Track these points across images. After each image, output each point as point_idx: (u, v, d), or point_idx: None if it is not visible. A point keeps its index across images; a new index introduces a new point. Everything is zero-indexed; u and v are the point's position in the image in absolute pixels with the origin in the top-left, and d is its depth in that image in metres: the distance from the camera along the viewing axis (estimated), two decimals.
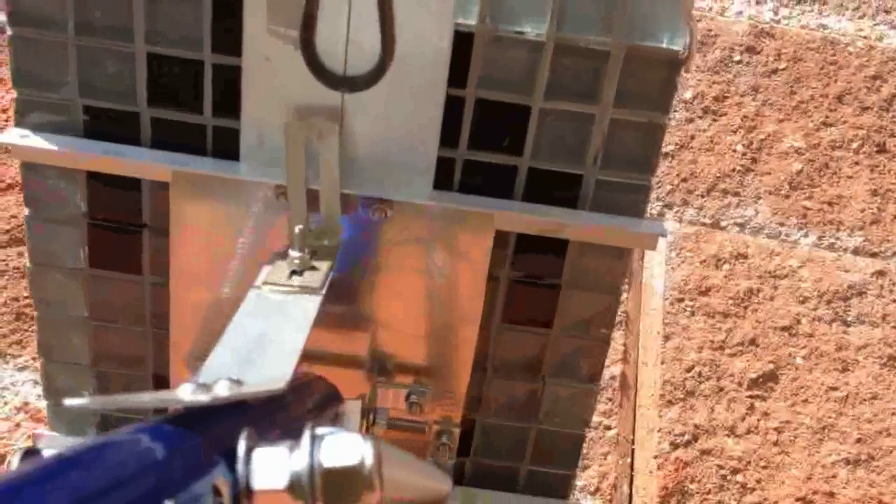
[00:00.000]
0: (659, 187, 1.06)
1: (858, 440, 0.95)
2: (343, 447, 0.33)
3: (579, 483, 0.90)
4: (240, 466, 0.32)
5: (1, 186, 1.00)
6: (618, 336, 0.98)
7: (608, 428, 0.94)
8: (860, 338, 1.00)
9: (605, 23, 0.51)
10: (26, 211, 0.60)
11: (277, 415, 0.40)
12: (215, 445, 0.32)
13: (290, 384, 0.38)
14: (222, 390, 0.35)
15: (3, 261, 0.96)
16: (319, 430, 0.33)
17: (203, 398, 0.34)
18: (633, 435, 0.94)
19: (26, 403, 0.90)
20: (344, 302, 0.58)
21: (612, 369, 0.96)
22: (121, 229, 0.60)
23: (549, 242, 0.58)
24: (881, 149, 1.11)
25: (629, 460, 0.93)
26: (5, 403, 0.91)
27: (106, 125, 0.56)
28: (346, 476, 0.32)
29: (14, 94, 0.56)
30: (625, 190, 0.56)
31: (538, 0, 0.51)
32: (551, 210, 0.56)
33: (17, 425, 0.90)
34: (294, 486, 0.32)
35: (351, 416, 0.51)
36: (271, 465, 0.32)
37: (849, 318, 1.01)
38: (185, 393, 0.34)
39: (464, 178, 0.56)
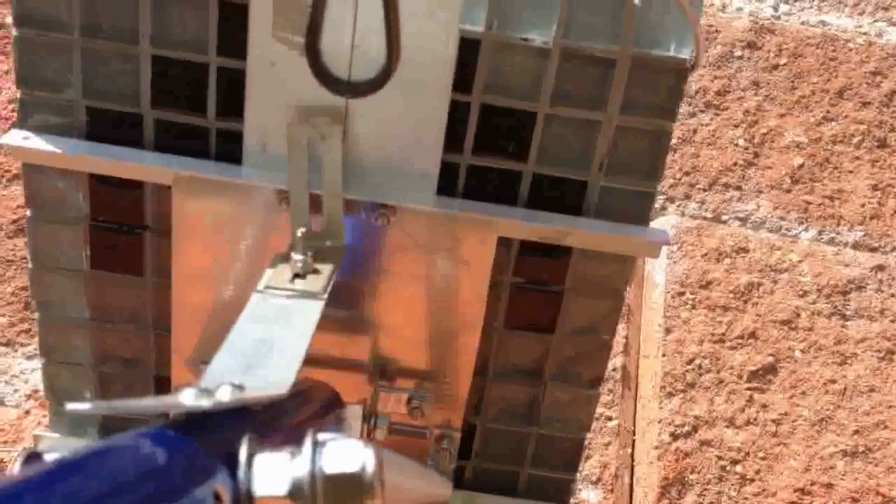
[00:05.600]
0: (661, 181, 1.07)
1: (856, 432, 0.95)
2: (344, 454, 0.33)
3: (581, 473, 0.90)
4: (241, 472, 0.32)
5: (7, 177, 1.00)
6: (619, 328, 0.98)
7: (609, 419, 0.94)
8: (859, 331, 1.01)
9: (612, 30, 0.51)
10: (28, 212, 0.60)
11: (279, 420, 0.39)
12: (216, 451, 0.32)
13: (292, 390, 0.38)
14: (224, 395, 0.35)
15: (11, 251, 0.96)
16: (321, 437, 0.33)
17: (205, 403, 0.34)
18: (634, 426, 0.95)
19: (36, 391, 0.91)
20: (346, 306, 0.58)
21: (613, 361, 0.97)
22: (123, 231, 0.60)
23: (553, 248, 0.58)
24: (881, 144, 1.11)
25: (630, 451, 0.93)
26: (15, 391, 0.91)
27: (108, 127, 0.56)
28: (348, 483, 0.32)
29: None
30: (630, 197, 0.56)
31: (545, 7, 0.51)
32: (554, 217, 0.56)
33: (27, 412, 0.90)
34: (295, 493, 0.32)
35: (352, 422, 0.51)
36: (273, 471, 0.32)
37: (848, 312, 1.01)
38: (187, 398, 0.34)
39: (467, 183, 0.56)
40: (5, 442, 0.89)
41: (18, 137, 0.56)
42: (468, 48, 0.52)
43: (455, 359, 0.60)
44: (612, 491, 0.91)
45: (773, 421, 0.95)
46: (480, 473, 0.68)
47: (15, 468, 0.29)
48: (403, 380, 0.61)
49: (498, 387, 0.64)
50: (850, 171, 1.10)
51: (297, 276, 0.50)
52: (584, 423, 0.65)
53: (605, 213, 0.56)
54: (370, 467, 0.32)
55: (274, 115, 0.53)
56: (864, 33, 1.18)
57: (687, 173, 1.08)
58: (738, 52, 1.15)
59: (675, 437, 0.93)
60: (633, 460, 0.93)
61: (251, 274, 0.55)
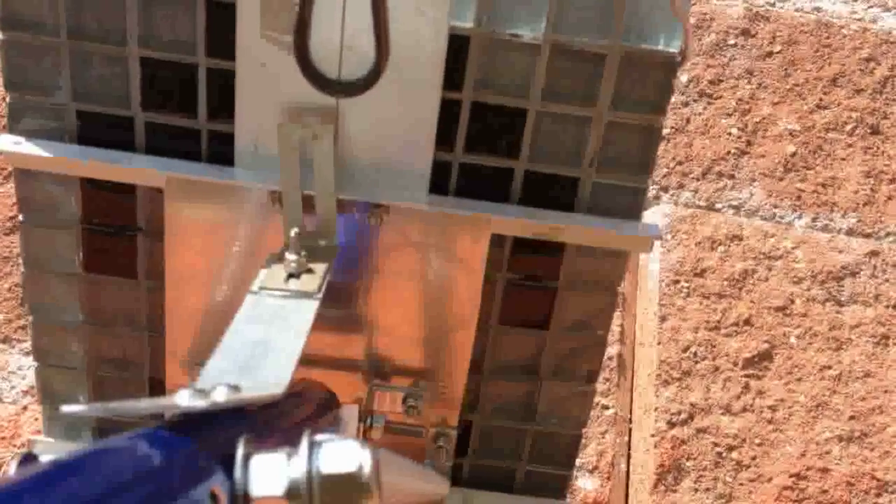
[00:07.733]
0: (655, 170, 1.07)
1: (852, 417, 0.96)
2: (341, 454, 0.33)
3: (578, 461, 0.91)
4: (238, 473, 0.32)
5: (4, 174, 1.00)
6: (615, 317, 0.99)
7: (606, 407, 0.95)
8: (853, 317, 1.01)
9: (602, 25, 0.51)
10: (20, 216, 0.59)
11: (275, 421, 0.39)
12: (213, 452, 0.32)
13: (288, 390, 0.38)
14: (220, 396, 0.35)
15: (7, 248, 0.96)
16: (317, 437, 0.33)
17: (201, 404, 0.34)
18: (631, 414, 0.95)
19: (33, 387, 0.91)
20: (341, 306, 0.58)
21: (609, 349, 0.97)
22: (116, 233, 0.60)
23: (546, 244, 0.58)
24: (874, 131, 1.12)
25: (626, 439, 0.94)
26: (12, 387, 0.91)
27: (99, 130, 0.56)
28: (345, 483, 0.32)
29: None
30: (621, 192, 0.56)
31: (534, 2, 0.51)
32: (547, 213, 0.56)
33: (25, 408, 0.90)
34: (292, 493, 0.32)
35: (348, 422, 0.51)
36: (269, 471, 0.32)
37: (842, 298, 1.02)
38: (183, 399, 0.34)
39: (460, 181, 0.56)
40: (3, 438, 0.89)
41: (9, 142, 0.56)
42: (458, 45, 0.52)
43: (450, 357, 0.60)
44: (608, 479, 0.92)
45: (769, 407, 0.95)
46: (478, 470, 0.68)
47: (10, 470, 0.29)
48: (399, 378, 0.61)
49: (494, 384, 0.64)
50: (843, 159, 1.10)
51: (291, 276, 0.50)
52: (581, 419, 0.66)
53: (598, 208, 0.56)
54: (367, 467, 0.32)
55: (265, 116, 0.53)
56: (859, 19, 1.18)
57: (680, 162, 1.09)
58: (731, 41, 1.15)
59: (671, 424, 0.93)
60: (629, 448, 0.94)
61: (245, 275, 0.55)
